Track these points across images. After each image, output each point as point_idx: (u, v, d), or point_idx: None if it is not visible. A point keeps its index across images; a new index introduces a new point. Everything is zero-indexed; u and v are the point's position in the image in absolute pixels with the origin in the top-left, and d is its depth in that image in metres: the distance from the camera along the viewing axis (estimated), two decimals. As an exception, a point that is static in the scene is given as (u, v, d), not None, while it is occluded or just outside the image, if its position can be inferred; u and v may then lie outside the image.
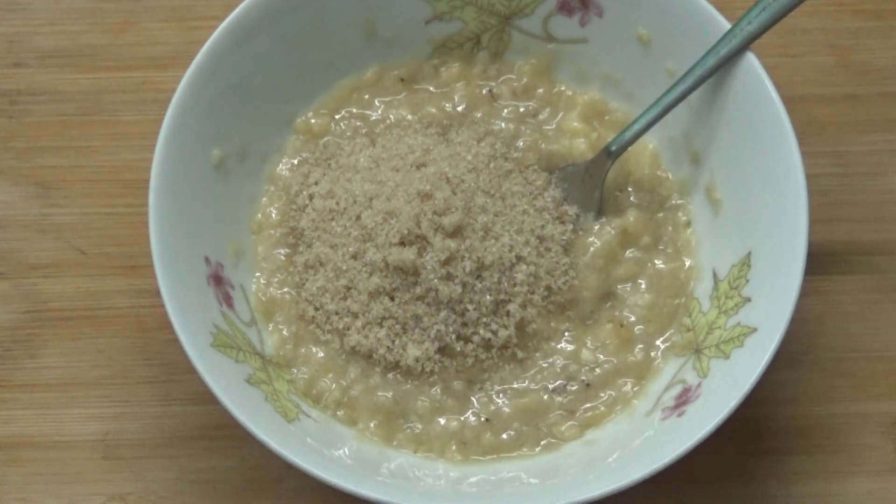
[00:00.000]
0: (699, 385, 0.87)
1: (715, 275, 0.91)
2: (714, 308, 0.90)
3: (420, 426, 0.89)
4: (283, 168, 0.96)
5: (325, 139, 0.96)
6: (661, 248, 0.94)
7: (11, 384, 0.94)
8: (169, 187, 0.86)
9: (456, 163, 0.92)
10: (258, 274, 0.93)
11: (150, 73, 1.02)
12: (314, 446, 0.85)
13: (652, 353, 0.91)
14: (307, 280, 0.92)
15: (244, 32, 0.90)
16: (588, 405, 0.90)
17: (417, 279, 0.88)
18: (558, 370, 0.90)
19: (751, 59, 0.88)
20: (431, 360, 0.89)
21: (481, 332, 0.89)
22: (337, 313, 0.91)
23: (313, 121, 0.97)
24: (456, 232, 0.88)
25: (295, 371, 0.90)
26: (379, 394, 0.89)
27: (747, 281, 0.88)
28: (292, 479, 0.91)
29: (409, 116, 0.96)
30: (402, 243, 0.88)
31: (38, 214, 0.98)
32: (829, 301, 0.96)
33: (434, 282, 0.87)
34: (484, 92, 0.98)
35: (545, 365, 0.91)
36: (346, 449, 0.87)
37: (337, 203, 0.92)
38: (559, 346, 0.91)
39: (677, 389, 0.88)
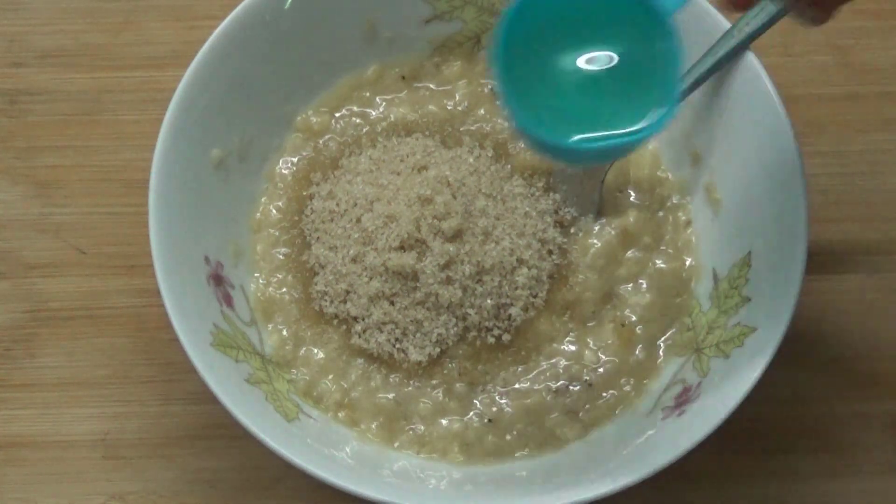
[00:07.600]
0: (699, 385, 0.86)
1: (715, 274, 0.91)
2: (714, 308, 0.90)
3: (422, 427, 0.89)
4: (282, 167, 0.96)
5: (326, 137, 0.96)
6: (661, 247, 0.94)
7: (11, 384, 0.94)
8: (169, 187, 0.86)
9: (457, 165, 0.92)
10: (257, 274, 0.93)
11: (150, 73, 1.01)
12: (315, 446, 0.85)
13: (653, 353, 0.91)
14: (306, 281, 0.92)
15: (244, 32, 0.90)
16: (590, 405, 0.90)
17: (417, 283, 0.88)
18: (560, 371, 0.90)
19: (751, 59, 0.88)
20: (433, 364, 0.89)
21: (483, 335, 0.89)
22: (336, 316, 0.91)
23: (313, 119, 0.96)
24: (456, 236, 0.88)
25: (295, 372, 0.90)
26: (380, 395, 0.89)
27: (747, 281, 0.88)
28: (292, 479, 0.91)
29: (410, 115, 0.96)
30: (401, 247, 0.88)
31: (38, 214, 0.98)
32: (829, 301, 0.96)
33: (434, 286, 0.87)
34: (486, 90, 0.97)
35: (547, 366, 0.91)
36: (347, 450, 0.87)
37: (337, 205, 0.92)
38: (561, 347, 0.91)
39: (677, 389, 0.88)
